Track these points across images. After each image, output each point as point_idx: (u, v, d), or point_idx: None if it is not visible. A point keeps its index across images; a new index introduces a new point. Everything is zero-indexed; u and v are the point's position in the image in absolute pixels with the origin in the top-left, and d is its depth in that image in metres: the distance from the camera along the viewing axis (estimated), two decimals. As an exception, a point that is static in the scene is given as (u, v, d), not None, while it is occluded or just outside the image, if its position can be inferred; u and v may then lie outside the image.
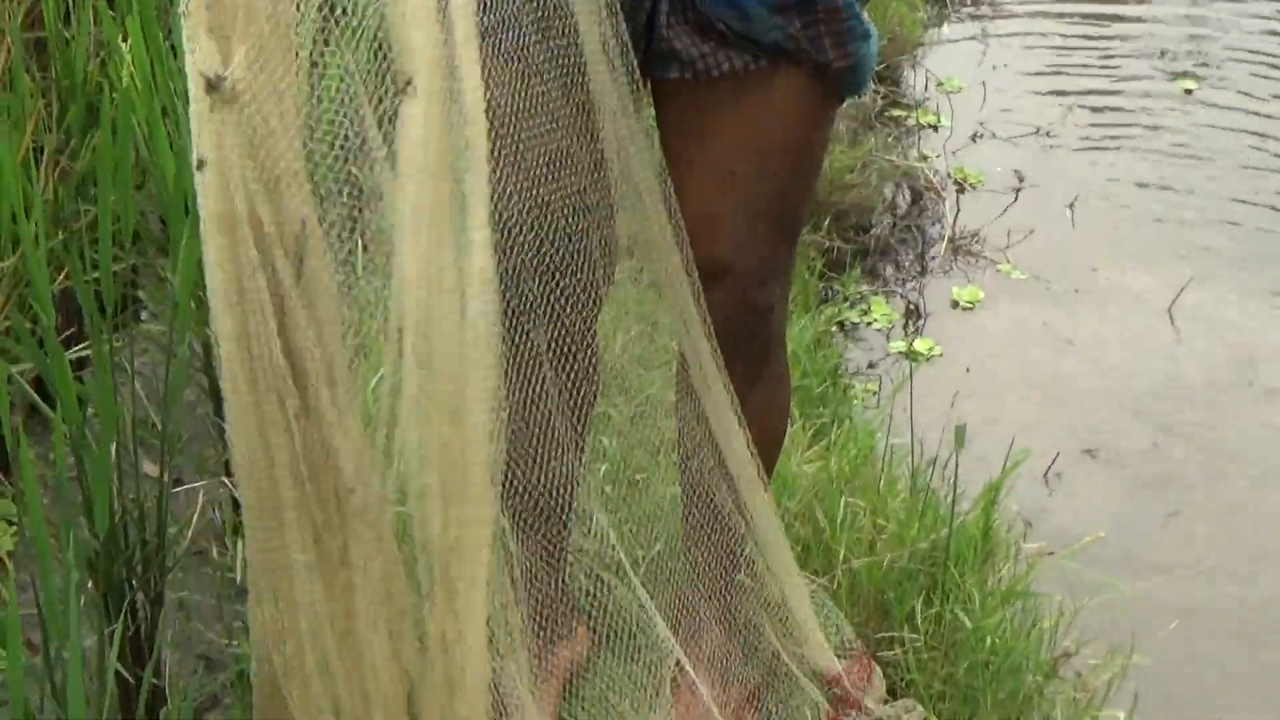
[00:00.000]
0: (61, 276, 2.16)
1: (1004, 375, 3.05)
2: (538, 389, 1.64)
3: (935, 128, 3.96)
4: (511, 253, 1.51)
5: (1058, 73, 4.38)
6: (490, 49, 1.44)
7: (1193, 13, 4.86)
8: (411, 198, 1.26)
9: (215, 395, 2.29)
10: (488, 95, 1.32)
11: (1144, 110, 4.19)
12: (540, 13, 1.45)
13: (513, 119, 1.48)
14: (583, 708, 1.77)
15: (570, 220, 1.57)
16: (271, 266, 1.28)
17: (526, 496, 1.65)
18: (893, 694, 1.90)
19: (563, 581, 1.79)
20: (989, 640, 1.92)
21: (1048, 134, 4.00)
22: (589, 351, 1.69)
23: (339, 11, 1.27)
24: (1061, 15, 4.75)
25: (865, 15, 1.62)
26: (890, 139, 3.78)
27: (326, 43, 1.30)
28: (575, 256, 1.59)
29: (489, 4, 1.44)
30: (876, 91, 3.90)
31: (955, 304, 3.27)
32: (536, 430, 1.64)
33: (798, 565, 1.85)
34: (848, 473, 2.20)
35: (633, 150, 1.58)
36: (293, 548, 1.33)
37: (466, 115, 1.26)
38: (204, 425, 2.32)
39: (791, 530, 2.03)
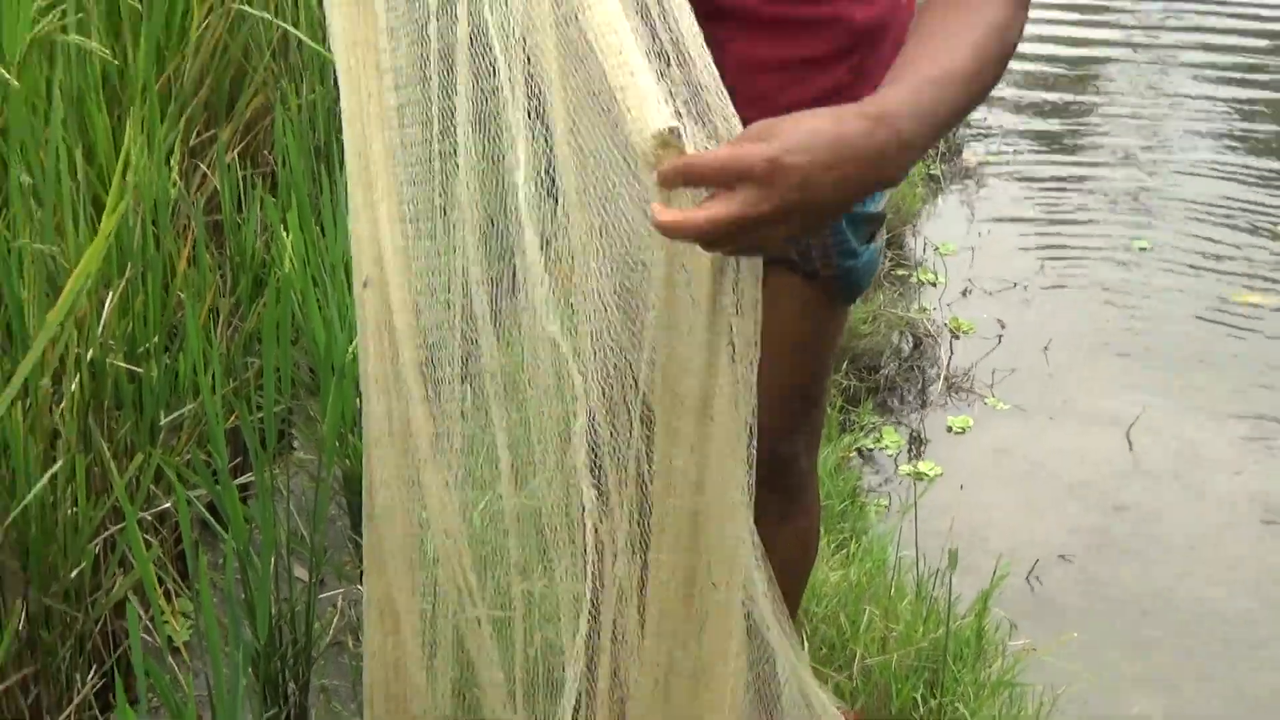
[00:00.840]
0: (232, 418, 2.20)
1: (992, 492, 3.03)
2: None
3: (933, 284, 3.96)
4: None
5: (1032, 236, 4.38)
6: None
7: (1145, 184, 4.86)
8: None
9: (353, 513, 2.32)
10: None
11: (1106, 265, 4.18)
12: None
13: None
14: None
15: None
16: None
17: None
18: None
19: None
20: (983, 726, 1.90)
21: (1025, 288, 3.99)
22: None
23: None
24: (1034, 189, 4.76)
25: (864, 238, 1.55)
26: (896, 294, 3.79)
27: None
28: None
29: None
30: (884, 256, 3.91)
31: (949, 429, 3.25)
32: None
33: (818, 662, 1.83)
34: (865, 583, 2.19)
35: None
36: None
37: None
38: (343, 537, 2.33)
39: (819, 633, 2.02)
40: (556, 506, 1.35)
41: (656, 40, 1.12)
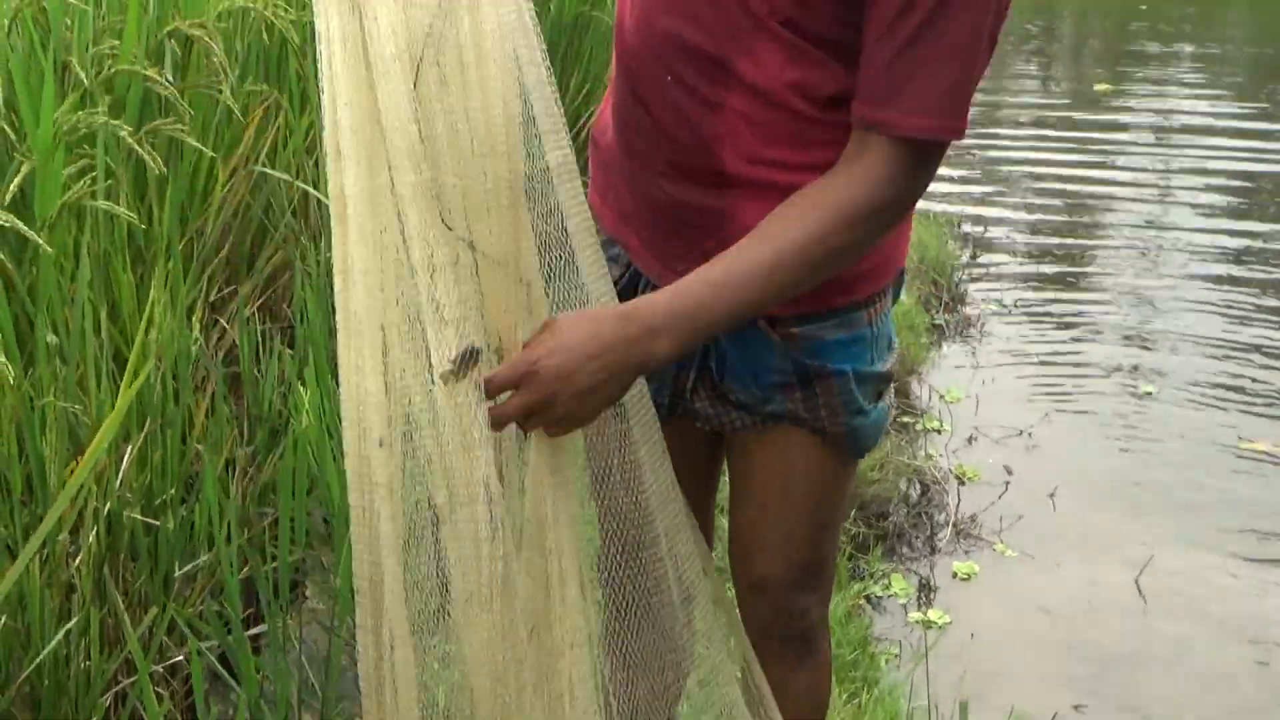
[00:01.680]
0: (246, 568, 2.19)
1: (1002, 640, 2.99)
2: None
3: (939, 431, 3.97)
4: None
5: (1036, 382, 4.41)
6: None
7: (1149, 326, 4.90)
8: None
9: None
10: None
11: (1111, 410, 4.19)
12: None
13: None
14: None
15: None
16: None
17: None
18: None
19: None
20: None
21: (1029, 434, 4.00)
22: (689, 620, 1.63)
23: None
24: (1037, 335, 4.80)
25: (872, 397, 1.58)
26: (903, 442, 3.80)
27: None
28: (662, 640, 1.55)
29: None
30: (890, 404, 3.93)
31: (955, 576, 3.23)
32: None
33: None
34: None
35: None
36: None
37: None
38: (355, 688, 2.31)
39: (831, 786, 1.98)
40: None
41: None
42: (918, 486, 3.56)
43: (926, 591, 3.16)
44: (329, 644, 1.97)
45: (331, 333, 2.64)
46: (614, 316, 1.30)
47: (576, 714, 1.38)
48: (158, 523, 2.02)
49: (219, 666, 1.96)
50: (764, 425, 1.58)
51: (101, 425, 1.70)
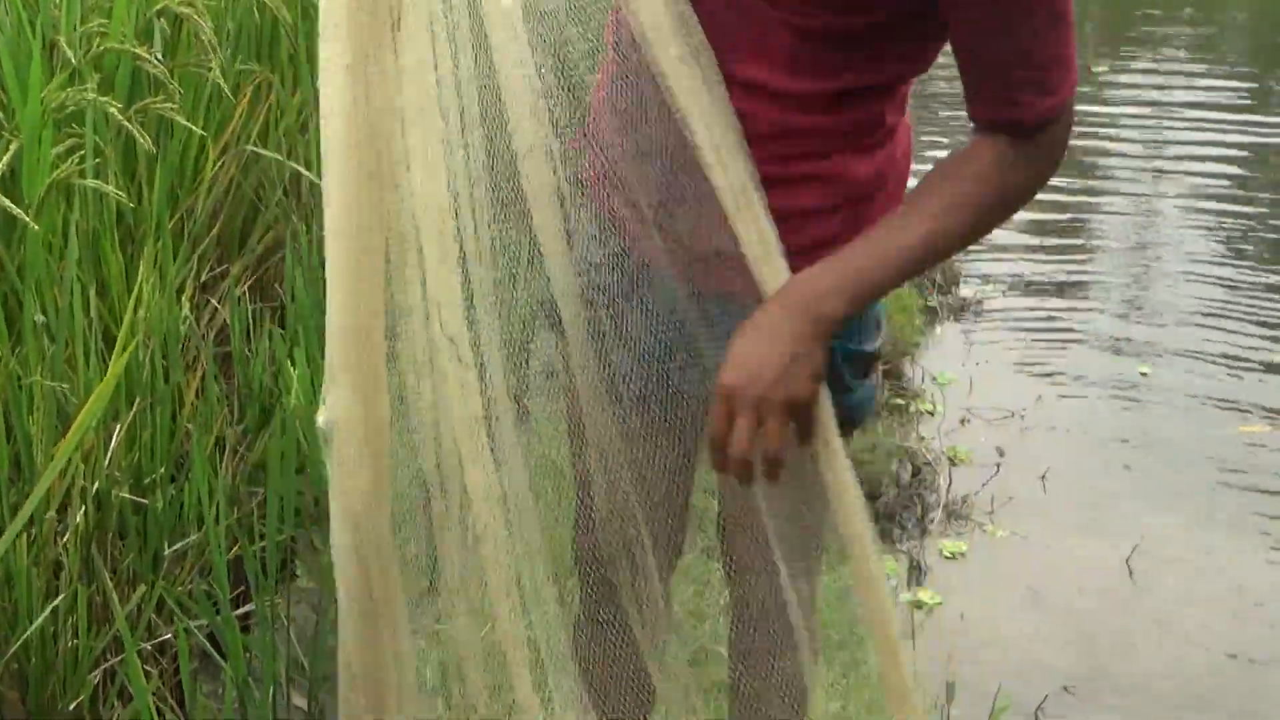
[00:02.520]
0: (235, 547, 2.20)
1: (993, 621, 3.00)
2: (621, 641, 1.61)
3: (931, 413, 3.96)
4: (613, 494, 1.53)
5: (1030, 364, 4.40)
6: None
7: (1144, 309, 4.90)
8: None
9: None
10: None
11: (1104, 392, 4.19)
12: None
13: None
14: None
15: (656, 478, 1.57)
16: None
17: None
18: None
19: None
20: None
21: (1022, 417, 4.00)
22: (666, 602, 1.66)
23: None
24: (1031, 317, 4.80)
25: (859, 375, 1.58)
26: (895, 424, 3.80)
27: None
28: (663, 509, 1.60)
29: None
30: (883, 385, 3.93)
31: (942, 554, 3.24)
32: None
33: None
34: (864, 715, 2.16)
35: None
36: None
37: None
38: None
39: (817, 766, 1.99)
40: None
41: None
42: (909, 468, 3.56)
43: (917, 572, 3.17)
44: (318, 623, 1.97)
45: (323, 312, 2.64)
46: (769, 304, 1.33)
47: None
48: (147, 502, 2.02)
49: (207, 645, 1.96)
50: None
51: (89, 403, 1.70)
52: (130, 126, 1.98)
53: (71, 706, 1.78)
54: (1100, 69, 8.56)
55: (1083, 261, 5.41)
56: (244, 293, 2.65)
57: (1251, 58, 9.82)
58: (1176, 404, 4.11)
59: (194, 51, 2.40)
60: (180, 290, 2.33)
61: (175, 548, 2.07)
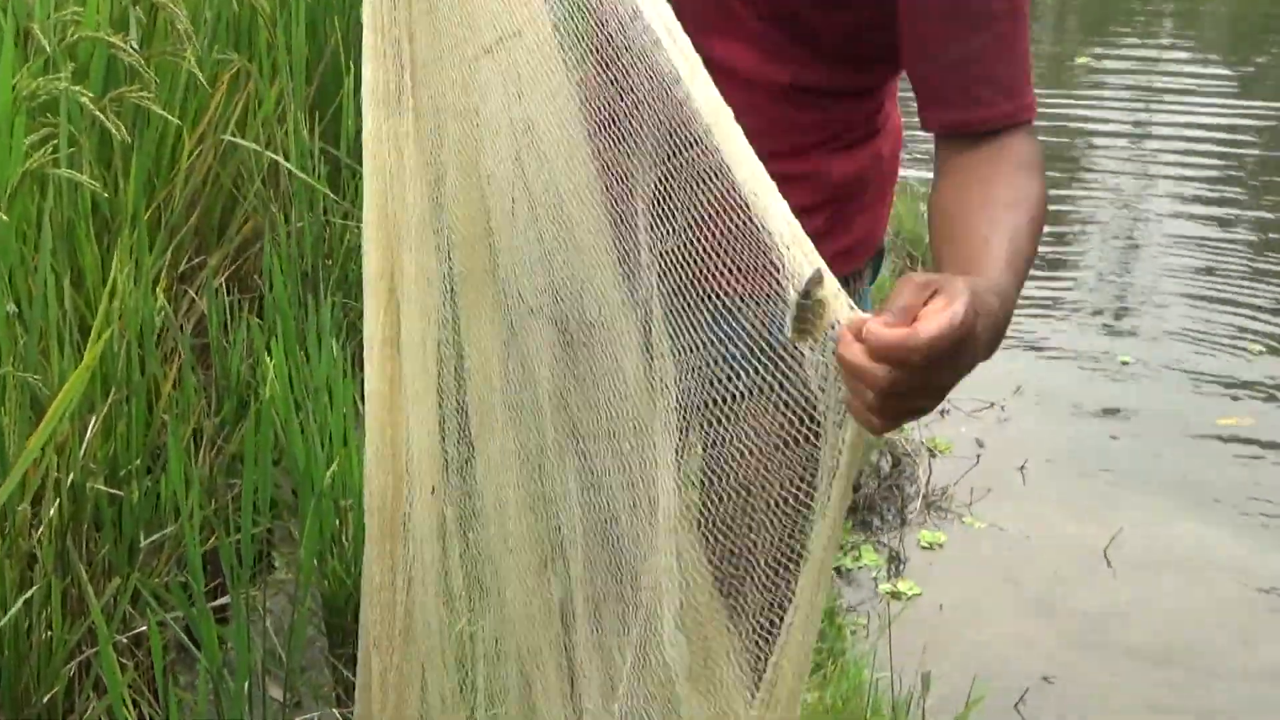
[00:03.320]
0: (211, 539, 2.19)
1: (971, 611, 3.01)
2: None
3: (911, 404, 3.96)
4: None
5: (1009, 355, 4.39)
6: None
7: (1125, 301, 4.91)
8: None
9: (331, 633, 2.29)
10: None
11: (1083, 383, 4.20)
12: None
13: None
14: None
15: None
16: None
17: None
18: None
19: None
20: None
21: (1002, 408, 4.00)
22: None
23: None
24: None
25: None
26: (875, 415, 3.80)
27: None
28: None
29: None
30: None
31: (920, 544, 3.25)
32: None
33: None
34: (840, 706, 2.16)
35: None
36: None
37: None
38: (321, 658, 2.31)
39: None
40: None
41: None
42: (889, 459, 3.57)
43: (896, 563, 3.17)
44: (293, 614, 1.96)
45: (301, 303, 2.63)
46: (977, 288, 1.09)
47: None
48: (122, 493, 2.01)
49: (184, 637, 1.95)
50: (738, 406, 1.58)
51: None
52: (104, 116, 1.96)
53: (46, 699, 1.77)
54: (1083, 59, 8.57)
55: (1063, 251, 5.42)
56: (222, 283, 2.64)
57: (1232, 44, 9.86)
58: (1156, 395, 4.12)
59: (170, 40, 2.38)
60: (156, 281, 2.31)
61: (151, 540, 2.05)
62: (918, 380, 1.01)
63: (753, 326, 1.36)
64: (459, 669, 1.48)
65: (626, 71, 1.27)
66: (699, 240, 1.29)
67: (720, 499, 1.32)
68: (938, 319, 0.99)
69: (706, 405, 1.35)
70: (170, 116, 2.33)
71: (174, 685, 2.03)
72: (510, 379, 1.38)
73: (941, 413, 3.93)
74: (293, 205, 2.88)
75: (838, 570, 3.08)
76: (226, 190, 2.73)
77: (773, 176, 1.41)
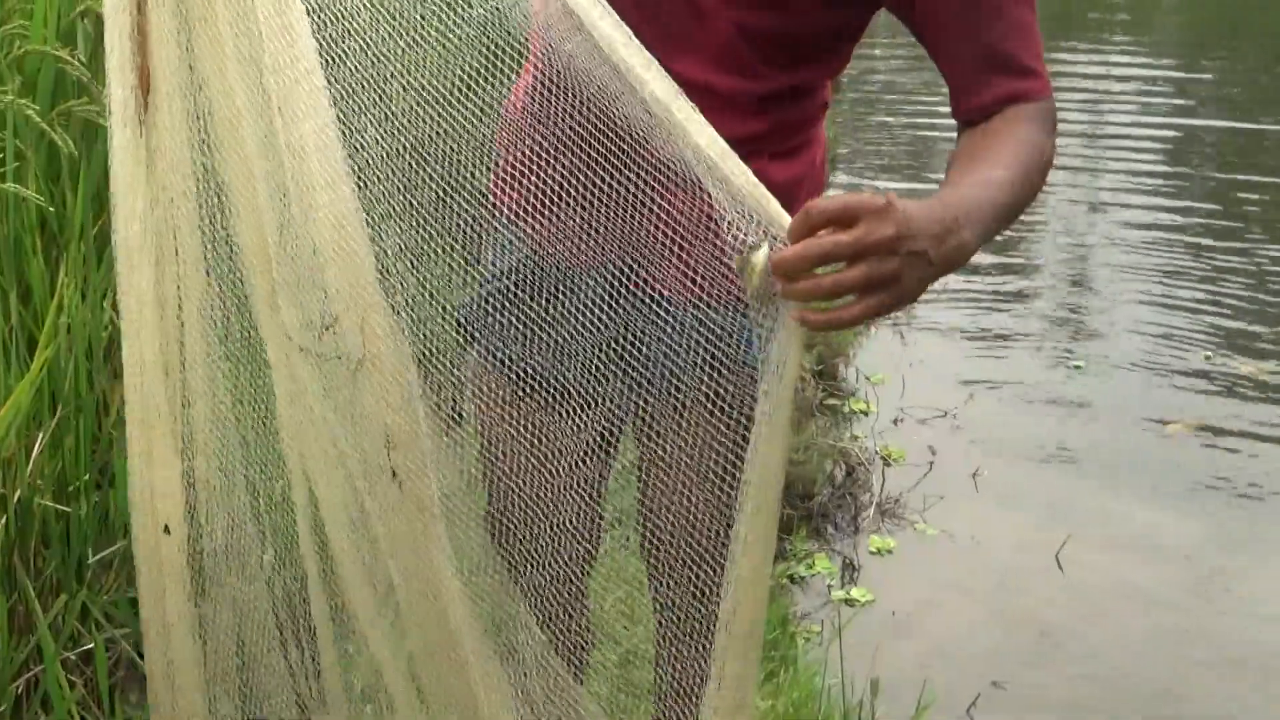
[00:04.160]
0: (162, 554, 2.17)
1: (924, 618, 3.03)
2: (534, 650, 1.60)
3: (865, 413, 4.00)
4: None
5: (962, 364, 4.45)
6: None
7: (1077, 309, 4.96)
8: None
9: (283, 645, 2.28)
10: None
11: (1035, 392, 4.24)
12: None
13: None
14: None
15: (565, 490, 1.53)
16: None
17: None
18: None
19: None
20: None
21: (954, 416, 4.04)
22: (582, 605, 1.66)
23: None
24: (965, 318, 4.85)
25: None
26: (829, 424, 3.83)
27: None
28: (572, 521, 1.55)
29: None
30: (817, 386, 3.96)
31: (871, 551, 3.27)
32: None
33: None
34: (793, 713, 2.18)
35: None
36: None
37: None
38: (281, 663, 2.29)
39: (745, 764, 1.99)
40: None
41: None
42: (843, 468, 3.59)
43: (850, 571, 3.19)
44: (240, 628, 1.95)
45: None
46: (931, 200, 1.21)
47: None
48: (70, 509, 1.99)
49: (133, 653, 1.93)
50: (679, 409, 1.59)
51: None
52: (52, 130, 1.95)
53: (-8, 717, 1.75)
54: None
55: (1017, 259, 5.47)
56: (172, 297, 2.62)
57: (1182, 49, 9.99)
58: (1108, 400, 4.17)
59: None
60: (105, 295, 2.30)
61: (100, 556, 2.04)
62: (871, 241, 1.11)
63: (697, 334, 1.37)
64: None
65: (571, 74, 1.28)
66: (649, 240, 1.31)
67: (661, 506, 1.33)
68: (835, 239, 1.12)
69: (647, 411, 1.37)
70: (119, 130, 2.32)
71: (124, 702, 2.02)
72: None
73: (895, 421, 3.96)
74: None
75: (791, 579, 3.10)
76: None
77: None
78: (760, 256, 1.15)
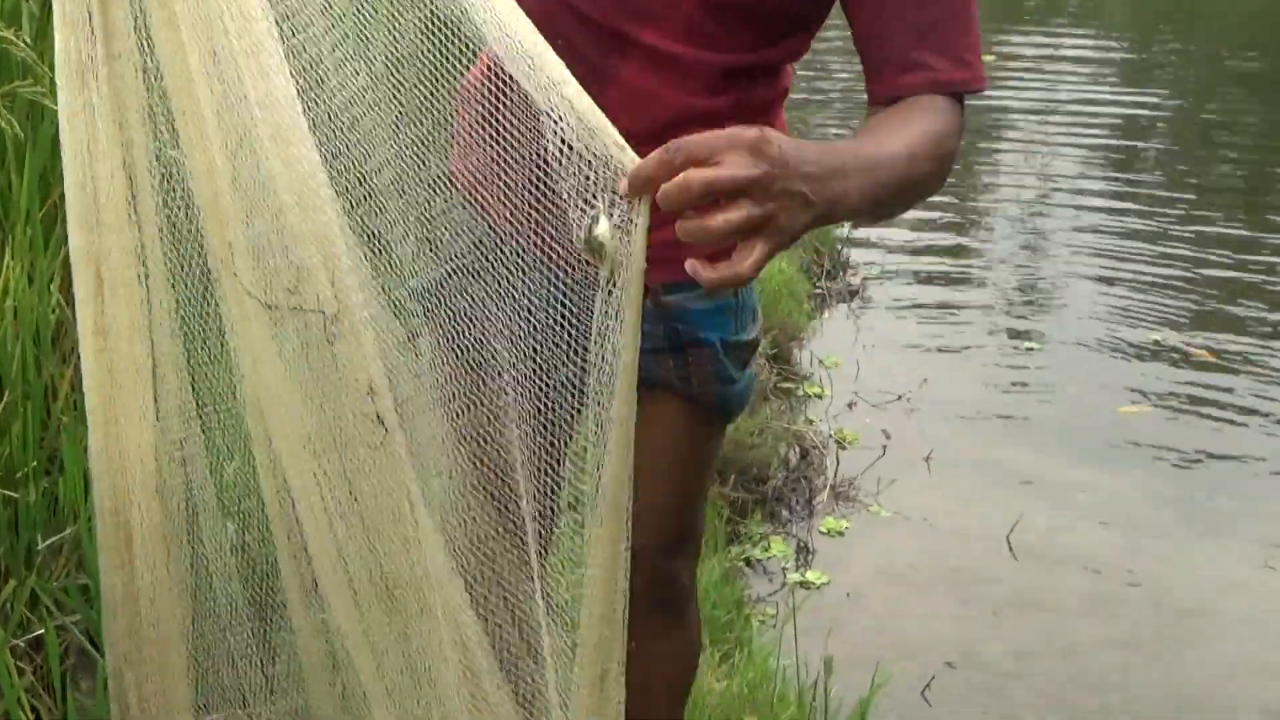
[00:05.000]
0: (113, 541, 2.15)
1: (878, 599, 3.06)
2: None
3: (819, 397, 4.02)
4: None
5: (915, 348, 4.48)
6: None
7: (1030, 291, 5.01)
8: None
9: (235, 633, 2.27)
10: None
11: (988, 372, 4.28)
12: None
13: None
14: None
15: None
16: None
17: None
18: None
19: None
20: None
21: (908, 399, 4.07)
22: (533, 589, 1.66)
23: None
24: (918, 303, 4.88)
25: (740, 364, 1.60)
26: (783, 407, 3.84)
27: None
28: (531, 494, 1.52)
29: None
30: (771, 370, 3.98)
31: (824, 532, 3.29)
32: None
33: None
34: (748, 693, 2.19)
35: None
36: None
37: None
38: (224, 657, 2.28)
39: (701, 745, 2.01)
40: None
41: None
42: (797, 451, 3.61)
43: (804, 554, 3.21)
44: (194, 614, 1.94)
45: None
46: (820, 143, 1.15)
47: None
48: (18, 495, 1.97)
49: (84, 640, 1.92)
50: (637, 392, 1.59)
51: (-48, 396, 1.65)
52: (-4, 112, 1.92)
53: (-60, 706, 1.74)
54: (988, 57, 8.74)
55: (972, 244, 5.52)
56: (121, 282, 2.60)
57: (1132, 29, 10.09)
58: (1059, 384, 4.21)
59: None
60: (52, 279, 2.27)
61: (49, 542, 2.02)
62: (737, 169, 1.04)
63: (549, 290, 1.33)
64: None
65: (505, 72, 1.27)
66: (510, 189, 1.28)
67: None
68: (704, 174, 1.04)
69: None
70: (65, 112, 2.29)
71: (75, 689, 2.00)
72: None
73: (849, 405, 3.98)
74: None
75: (747, 562, 3.12)
76: (126, 187, 2.69)
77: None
78: (604, 229, 1.07)
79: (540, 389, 1.42)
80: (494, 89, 1.25)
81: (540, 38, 1.13)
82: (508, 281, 1.37)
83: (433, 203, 1.37)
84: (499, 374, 1.43)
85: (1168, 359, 4.38)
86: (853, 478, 3.54)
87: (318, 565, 1.41)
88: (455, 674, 1.41)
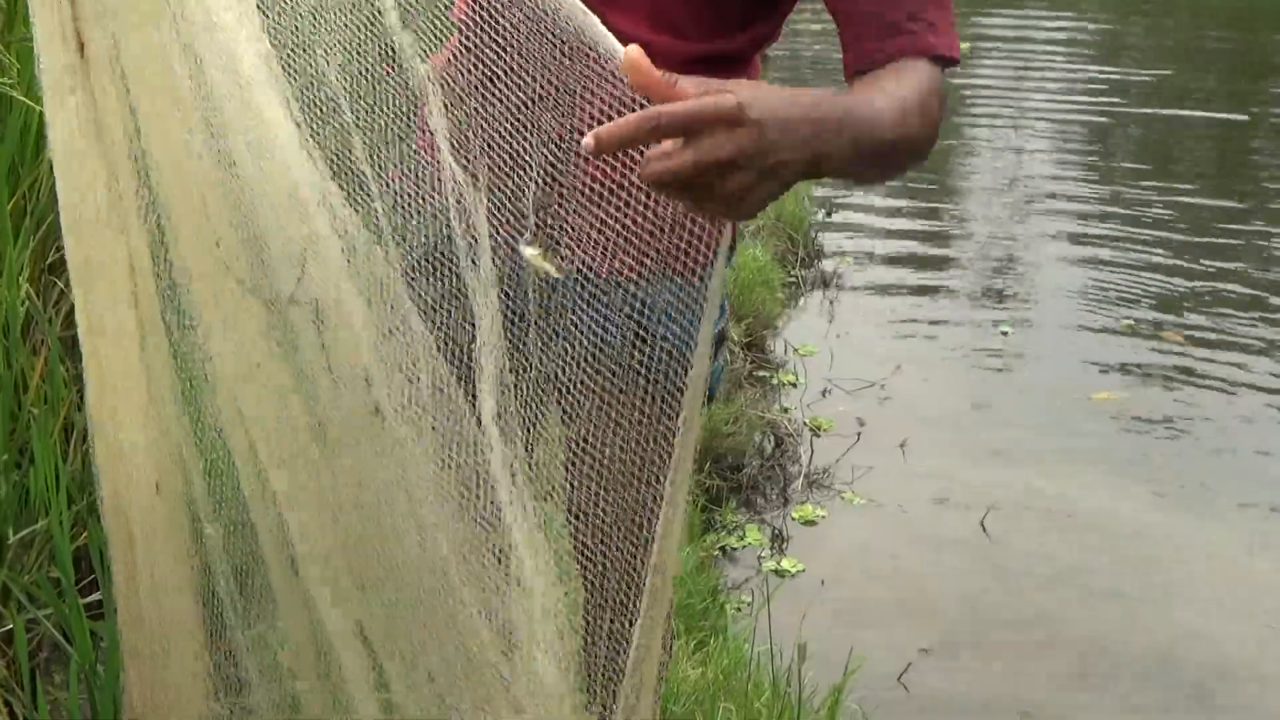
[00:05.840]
0: (83, 534, 2.15)
1: (852, 586, 3.08)
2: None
3: (794, 385, 4.04)
4: None
5: (889, 335, 4.50)
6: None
7: (1005, 275, 5.04)
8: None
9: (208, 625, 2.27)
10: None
11: (962, 363, 4.30)
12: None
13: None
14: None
15: None
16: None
17: None
18: None
19: None
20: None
21: (882, 387, 4.08)
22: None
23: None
24: (892, 291, 4.90)
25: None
26: (757, 396, 3.86)
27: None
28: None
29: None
30: (746, 358, 3.99)
31: (796, 520, 3.31)
32: None
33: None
34: (722, 680, 2.20)
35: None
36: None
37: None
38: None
39: (675, 732, 2.03)
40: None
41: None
42: (772, 439, 3.62)
43: (779, 541, 3.23)
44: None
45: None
46: (811, 95, 1.13)
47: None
48: (-12, 489, 1.97)
49: (56, 634, 1.92)
50: (597, 386, 1.59)
51: (-80, 390, 1.65)
52: (-38, 103, 1.91)
53: (-90, 700, 1.73)
54: (965, 44, 8.75)
55: (946, 232, 5.54)
56: (91, 274, 2.58)
57: (1110, 8, 10.13)
58: (1035, 367, 4.24)
59: (30, 25, 2.32)
60: (22, 271, 2.26)
61: (20, 535, 2.02)
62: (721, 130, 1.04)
63: (628, 308, 1.38)
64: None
65: (504, 35, 1.28)
66: (582, 213, 1.31)
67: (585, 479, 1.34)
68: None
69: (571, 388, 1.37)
70: (33, 104, 2.28)
71: (48, 683, 2.00)
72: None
73: (824, 392, 4.00)
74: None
75: (723, 550, 3.13)
76: (95, 178, 2.68)
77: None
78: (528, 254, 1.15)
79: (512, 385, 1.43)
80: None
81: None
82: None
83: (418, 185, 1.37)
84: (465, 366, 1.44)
85: (1142, 342, 4.41)
86: (827, 465, 3.56)
87: (312, 557, 1.42)
88: (461, 657, 1.42)
